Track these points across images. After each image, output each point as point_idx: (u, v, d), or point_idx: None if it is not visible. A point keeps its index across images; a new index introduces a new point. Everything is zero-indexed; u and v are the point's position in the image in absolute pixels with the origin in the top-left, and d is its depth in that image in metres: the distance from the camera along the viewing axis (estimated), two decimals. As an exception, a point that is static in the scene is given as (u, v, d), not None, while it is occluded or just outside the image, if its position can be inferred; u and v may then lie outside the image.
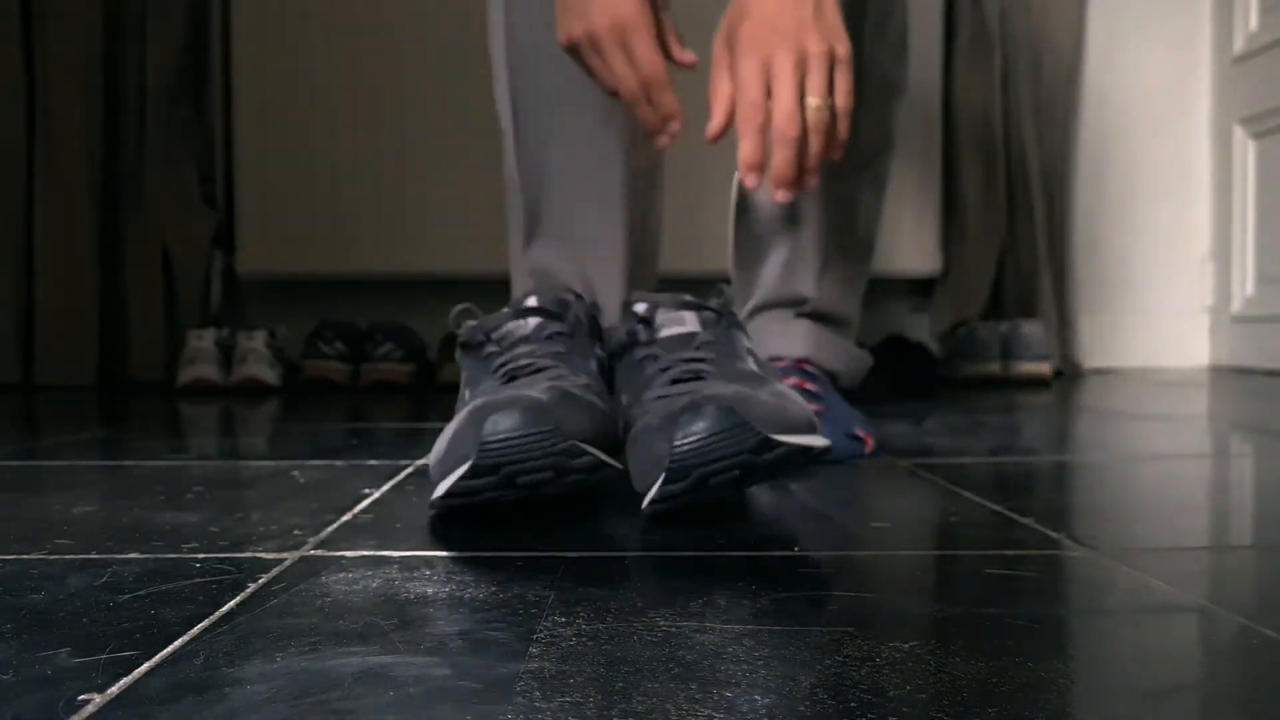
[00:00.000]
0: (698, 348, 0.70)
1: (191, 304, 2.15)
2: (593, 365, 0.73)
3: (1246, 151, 2.32)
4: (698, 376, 0.67)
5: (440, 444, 0.64)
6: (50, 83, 2.08)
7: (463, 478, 0.59)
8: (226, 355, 1.97)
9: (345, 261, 2.18)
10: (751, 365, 0.71)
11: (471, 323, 0.75)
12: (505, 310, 0.76)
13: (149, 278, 2.13)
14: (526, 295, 0.77)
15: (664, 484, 0.57)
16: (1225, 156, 2.38)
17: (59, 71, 2.07)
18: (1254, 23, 2.30)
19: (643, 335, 0.73)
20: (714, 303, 0.75)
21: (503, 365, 0.70)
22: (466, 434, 0.60)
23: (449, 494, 0.61)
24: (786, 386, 0.68)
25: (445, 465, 0.62)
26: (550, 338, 0.72)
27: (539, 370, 0.69)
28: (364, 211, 2.16)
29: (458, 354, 0.76)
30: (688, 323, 0.73)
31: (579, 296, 0.77)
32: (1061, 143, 2.35)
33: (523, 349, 0.71)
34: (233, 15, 2.17)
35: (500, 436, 0.57)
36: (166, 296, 2.14)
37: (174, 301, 2.15)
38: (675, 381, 0.67)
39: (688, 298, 0.75)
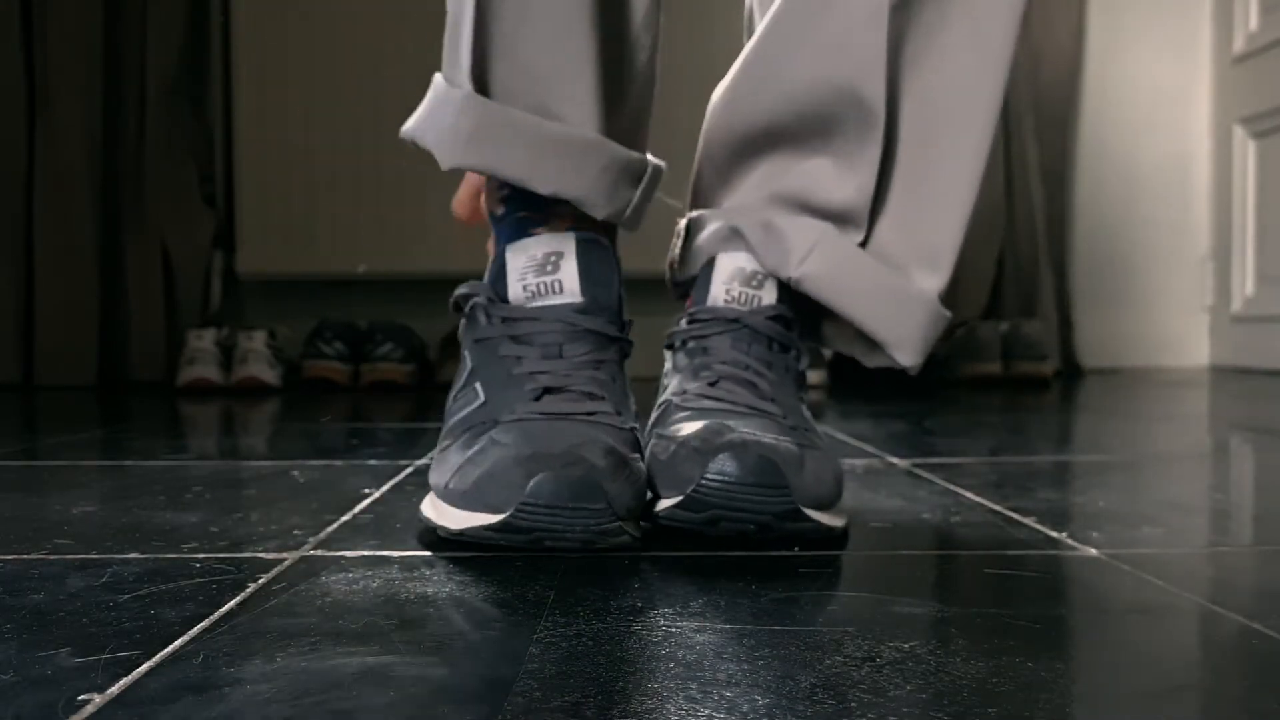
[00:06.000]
0: (763, 366, 0.64)
1: (191, 304, 2.15)
2: (632, 404, 0.63)
3: (1246, 151, 2.32)
4: (753, 387, 0.62)
5: (466, 470, 0.56)
6: (50, 82, 2.08)
7: (488, 528, 0.54)
8: (226, 355, 1.97)
9: (345, 261, 2.18)
10: (806, 413, 0.65)
11: (478, 302, 0.62)
12: (530, 298, 0.61)
13: (149, 278, 2.13)
14: (576, 304, 0.61)
15: (676, 508, 0.56)
16: (1225, 156, 2.38)
17: (59, 71, 2.07)
18: (1254, 23, 2.30)
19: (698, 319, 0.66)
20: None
21: (534, 374, 0.60)
22: (507, 480, 0.53)
23: (463, 534, 0.55)
24: (826, 446, 0.63)
25: (469, 501, 0.55)
26: (597, 365, 0.61)
27: (583, 395, 0.59)
28: (364, 211, 2.16)
29: (461, 331, 0.65)
30: (766, 294, 0.67)
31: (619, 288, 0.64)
32: (1061, 143, 2.35)
33: (560, 364, 0.60)
34: (233, 15, 2.17)
35: (544, 502, 0.51)
36: (166, 296, 2.14)
37: (174, 301, 2.15)
38: (715, 382, 0.63)
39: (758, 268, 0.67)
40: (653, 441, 0.61)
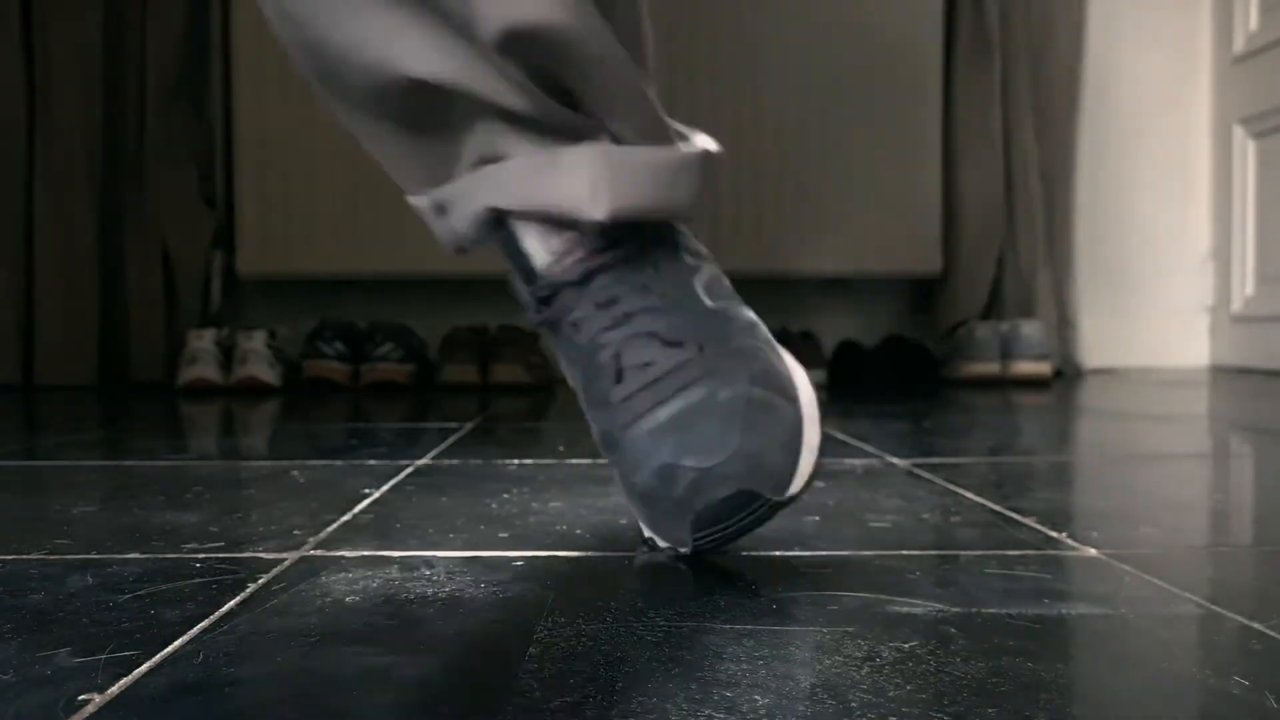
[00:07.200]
0: (640, 309, 0.54)
1: (191, 304, 2.15)
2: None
3: (1246, 151, 2.32)
4: (650, 338, 0.54)
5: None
6: (50, 82, 2.08)
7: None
8: (226, 355, 1.97)
9: (345, 261, 2.18)
10: (708, 302, 0.56)
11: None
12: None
13: (149, 278, 2.13)
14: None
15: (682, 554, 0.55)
16: (1225, 156, 2.38)
17: (59, 71, 2.07)
18: (1254, 23, 2.30)
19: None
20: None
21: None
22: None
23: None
24: (752, 348, 0.55)
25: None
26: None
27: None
28: (364, 211, 2.16)
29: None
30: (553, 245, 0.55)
31: None
32: (1061, 143, 2.35)
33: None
34: (233, 15, 2.17)
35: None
36: (166, 296, 2.14)
37: (174, 301, 2.15)
38: (620, 377, 0.54)
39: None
40: (617, 470, 0.56)
